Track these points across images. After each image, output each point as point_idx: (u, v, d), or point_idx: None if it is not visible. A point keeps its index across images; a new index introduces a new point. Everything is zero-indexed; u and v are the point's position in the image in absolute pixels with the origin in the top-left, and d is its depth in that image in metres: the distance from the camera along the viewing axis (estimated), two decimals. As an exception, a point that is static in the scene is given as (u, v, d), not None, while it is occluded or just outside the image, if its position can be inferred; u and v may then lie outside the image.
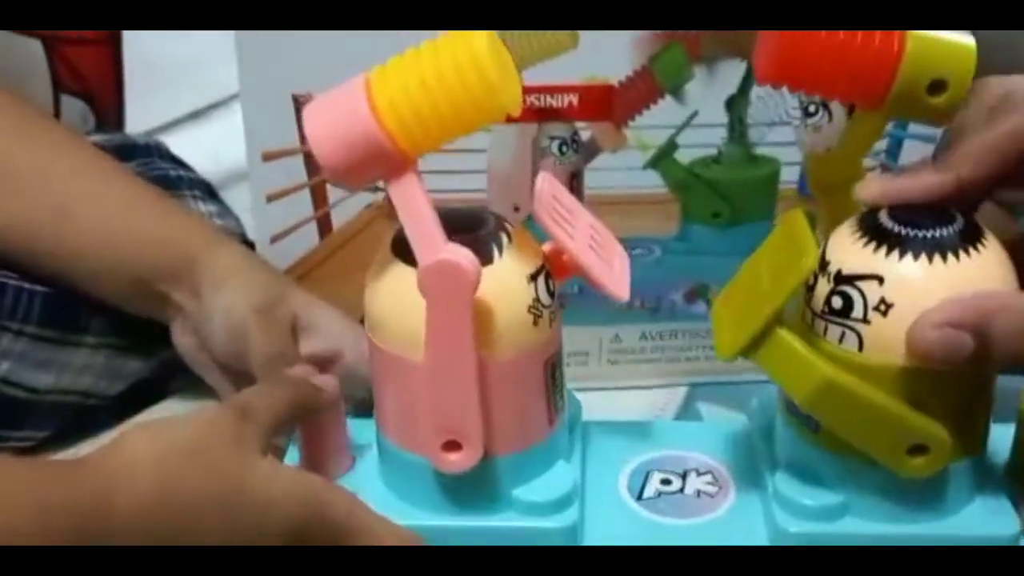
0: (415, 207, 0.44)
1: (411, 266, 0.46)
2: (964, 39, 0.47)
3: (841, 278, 0.46)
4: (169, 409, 0.66)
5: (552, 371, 0.49)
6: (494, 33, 0.44)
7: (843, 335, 0.47)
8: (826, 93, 0.49)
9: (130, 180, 0.63)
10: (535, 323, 0.47)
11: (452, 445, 0.47)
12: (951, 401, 0.46)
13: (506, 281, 0.46)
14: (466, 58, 0.42)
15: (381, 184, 0.65)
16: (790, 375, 0.46)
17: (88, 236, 0.61)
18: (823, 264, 0.47)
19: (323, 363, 0.60)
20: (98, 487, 0.43)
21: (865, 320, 0.46)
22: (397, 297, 0.46)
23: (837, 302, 0.46)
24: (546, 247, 0.49)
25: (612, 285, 0.48)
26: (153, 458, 0.44)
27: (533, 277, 0.47)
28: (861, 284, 0.46)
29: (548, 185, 0.48)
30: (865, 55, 0.46)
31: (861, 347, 0.46)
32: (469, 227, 0.46)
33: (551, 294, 0.47)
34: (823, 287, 0.47)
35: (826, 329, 0.47)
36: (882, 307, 0.45)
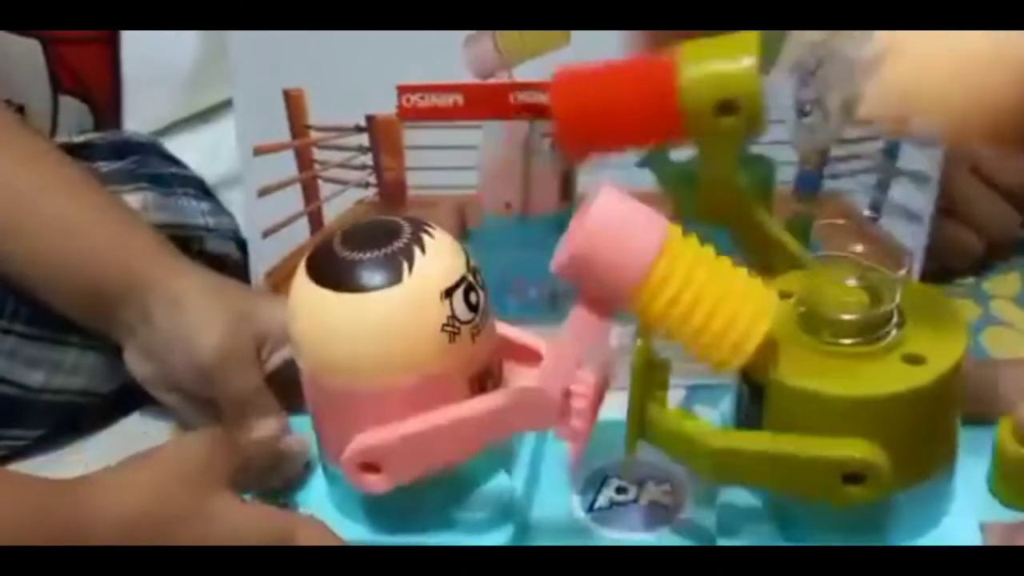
0: (581, 343, 0.44)
1: (327, 288, 0.45)
2: (740, 55, 0.44)
3: None
4: (141, 423, 0.66)
5: (481, 387, 0.47)
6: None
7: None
8: (634, 144, 0.48)
9: (92, 197, 0.62)
10: (451, 340, 0.45)
11: (370, 467, 0.45)
12: (889, 427, 0.44)
13: (415, 300, 0.45)
14: (744, 319, 0.42)
15: (373, 180, 0.66)
16: (683, 453, 0.46)
17: (38, 255, 0.61)
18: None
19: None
20: (77, 503, 0.46)
21: None
22: (314, 322, 0.46)
23: None
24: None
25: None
26: (130, 491, 0.47)
27: (448, 293, 0.45)
28: None
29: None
30: (643, 101, 0.44)
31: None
32: (382, 242, 0.45)
33: (473, 308, 0.46)
34: None
35: None
36: None
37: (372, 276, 0.44)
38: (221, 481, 0.47)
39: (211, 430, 0.51)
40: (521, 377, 0.46)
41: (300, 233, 0.67)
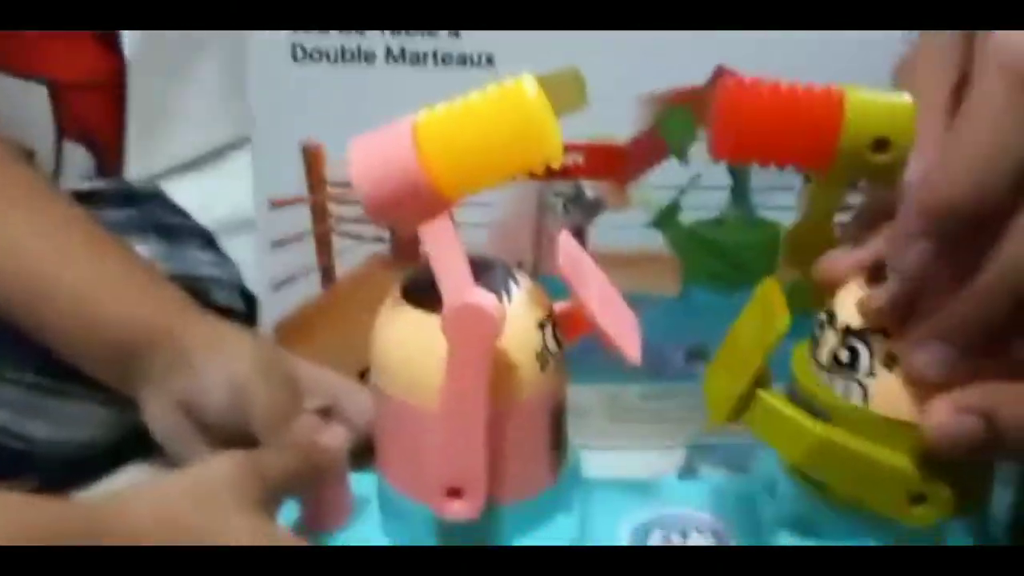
0: (447, 249, 0.46)
1: (419, 309, 0.48)
2: (901, 97, 0.49)
3: (849, 331, 0.48)
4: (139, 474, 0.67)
5: (557, 421, 0.50)
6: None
7: (848, 388, 0.48)
8: (778, 162, 0.51)
9: (110, 251, 0.64)
10: (543, 369, 0.49)
11: (455, 492, 0.48)
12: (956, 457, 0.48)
13: (516, 326, 0.48)
14: (517, 105, 0.44)
15: (387, 235, 0.69)
16: (779, 437, 0.49)
17: (64, 317, 0.62)
18: (831, 318, 0.49)
19: (323, 416, 0.62)
20: (92, 520, 0.46)
21: (871, 373, 0.48)
22: (406, 342, 0.48)
23: (844, 355, 0.48)
24: (559, 306, 0.51)
25: (626, 346, 0.51)
26: (151, 496, 0.47)
27: (541, 325, 0.49)
28: (869, 337, 0.48)
29: (569, 243, 0.50)
30: (808, 122, 0.48)
31: (865, 399, 0.48)
32: (480, 273, 0.48)
33: (558, 343, 0.49)
34: (830, 340, 0.49)
35: (832, 382, 0.49)
36: (888, 361, 0.47)
37: (475, 303, 0.47)
38: (248, 501, 0.48)
39: (240, 451, 0.51)
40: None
41: (311, 287, 0.70)
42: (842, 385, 0.49)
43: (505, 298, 0.48)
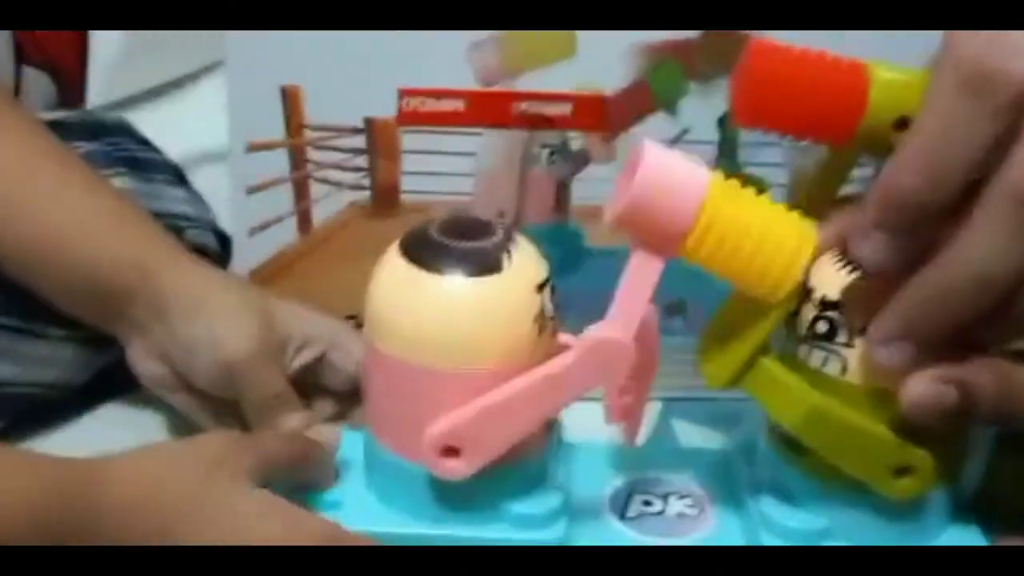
0: (642, 286, 0.48)
1: (421, 268, 0.49)
2: (924, 75, 0.48)
3: (826, 304, 0.50)
4: (108, 418, 0.67)
5: (550, 384, 0.51)
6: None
7: (826, 359, 0.50)
8: (797, 134, 0.52)
9: (93, 183, 0.64)
10: (539, 333, 0.50)
11: (451, 451, 0.49)
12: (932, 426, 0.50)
13: (514, 290, 0.49)
14: (788, 248, 0.47)
15: (367, 182, 0.69)
16: (777, 403, 0.50)
17: (41, 241, 0.61)
18: (807, 291, 0.51)
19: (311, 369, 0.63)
20: (85, 485, 0.47)
21: (849, 344, 0.49)
22: (406, 300, 0.49)
23: (822, 327, 0.50)
24: None
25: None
26: (144, 463, 0.49)
27: (540, 288, 0.50)
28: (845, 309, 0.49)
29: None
30: (833, 97, 0.49)
31: (844, 371, 0.50)
32: (480, 235, 0.49)
33: (555, 306, 0.50)
34: (808, 313, 0.51)
35: (810, 353, 0.51)
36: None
37: (475, 263, 0.48)
38: (239, 474, 0.49)
39: (229, 431, 0.53)
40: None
41: (288, 232, 0.70)
42: (821, 356, 0.50)
43: (505, 261, 0.49)
